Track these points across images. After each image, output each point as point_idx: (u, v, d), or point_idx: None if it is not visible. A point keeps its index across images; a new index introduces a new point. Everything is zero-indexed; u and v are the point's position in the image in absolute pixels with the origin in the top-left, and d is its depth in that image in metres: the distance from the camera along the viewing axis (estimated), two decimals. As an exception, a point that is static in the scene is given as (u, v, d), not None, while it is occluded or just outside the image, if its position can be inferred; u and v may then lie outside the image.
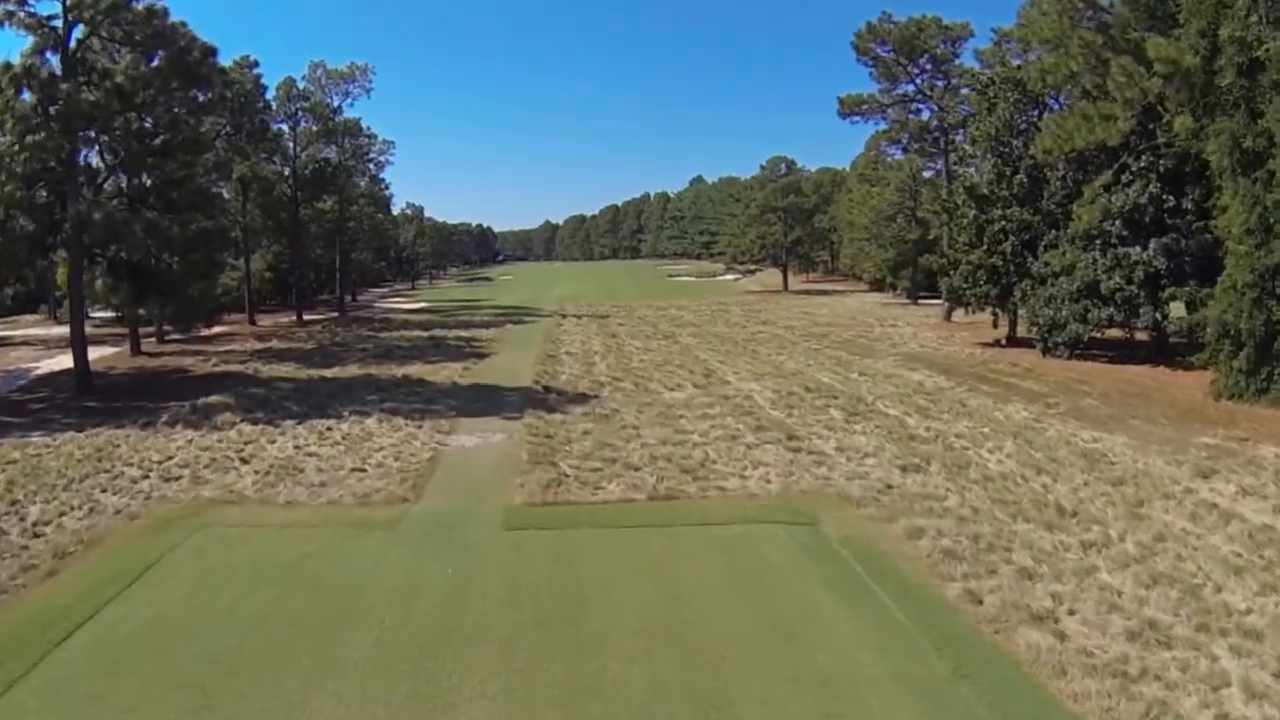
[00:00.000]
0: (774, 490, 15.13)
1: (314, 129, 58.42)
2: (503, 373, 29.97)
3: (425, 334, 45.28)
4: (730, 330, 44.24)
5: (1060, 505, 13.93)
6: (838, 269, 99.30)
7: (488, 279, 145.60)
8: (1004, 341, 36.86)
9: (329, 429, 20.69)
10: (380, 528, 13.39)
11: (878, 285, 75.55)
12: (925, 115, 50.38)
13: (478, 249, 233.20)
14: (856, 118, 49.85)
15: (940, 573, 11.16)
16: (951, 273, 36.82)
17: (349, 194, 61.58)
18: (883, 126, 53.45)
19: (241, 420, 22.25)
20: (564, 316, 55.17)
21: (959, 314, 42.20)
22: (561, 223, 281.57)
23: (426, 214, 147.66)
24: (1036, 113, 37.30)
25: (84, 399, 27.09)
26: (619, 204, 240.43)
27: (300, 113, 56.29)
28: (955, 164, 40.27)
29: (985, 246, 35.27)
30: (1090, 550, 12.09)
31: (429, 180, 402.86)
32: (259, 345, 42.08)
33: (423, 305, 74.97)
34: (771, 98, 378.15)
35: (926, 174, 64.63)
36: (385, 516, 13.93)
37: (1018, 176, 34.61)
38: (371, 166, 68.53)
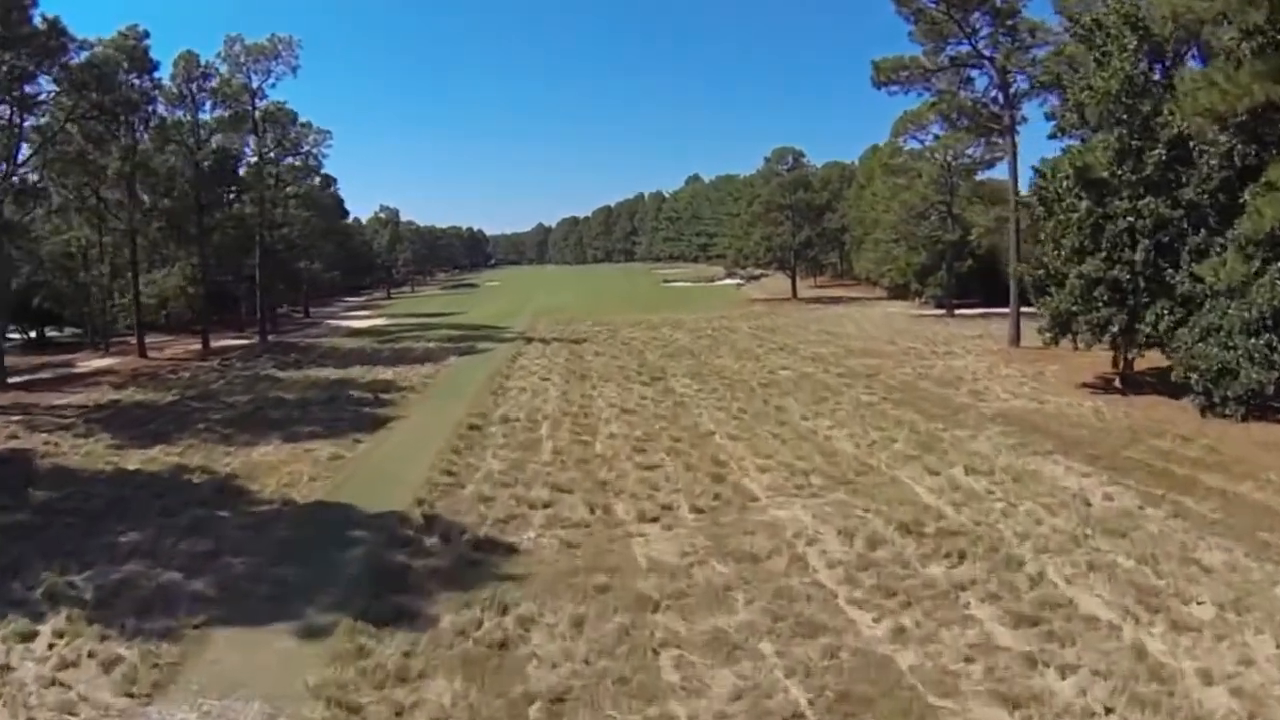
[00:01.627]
0: None
1: (224, 115, 47.67)
2: (385, 469, 18.93)
3: (336, 375, 34.30)
4: (739, 365, 33.34)
5: None
6: (848, 273, 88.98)
7: (473, 285, 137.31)
8: (1120, 384, 26.34)
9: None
10: None
11: (898, 292, 65.46)
12: (982, 85, 39.74)
13: (469, 253, 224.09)
14: (895, 87, 38.95)
15: None
16: (1054, 290, 26.00)
17: (263, 193, 50.51)
18: (925, 99, 42.69)
19: None
20: (529, 341, 44.54)
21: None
22: (554, 225, 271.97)
23: (409, 218, 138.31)
24: (1160, 67, 26.94)
25: None
26: (611, 205, 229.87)
27: (200, 94, 45.36)
28: (1055, 135, 29.58)
29: (1105, 252, 24.63)
30: None
31: (418, 183, 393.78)
32: (112, 394, 31.51)
33: (376, 324, 64.71)
34: (768, 94, 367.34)
35: (957, 162, 55.11)
36: None
37: (1154, 152, 23.98)
38: (307, 159, 57.26)
